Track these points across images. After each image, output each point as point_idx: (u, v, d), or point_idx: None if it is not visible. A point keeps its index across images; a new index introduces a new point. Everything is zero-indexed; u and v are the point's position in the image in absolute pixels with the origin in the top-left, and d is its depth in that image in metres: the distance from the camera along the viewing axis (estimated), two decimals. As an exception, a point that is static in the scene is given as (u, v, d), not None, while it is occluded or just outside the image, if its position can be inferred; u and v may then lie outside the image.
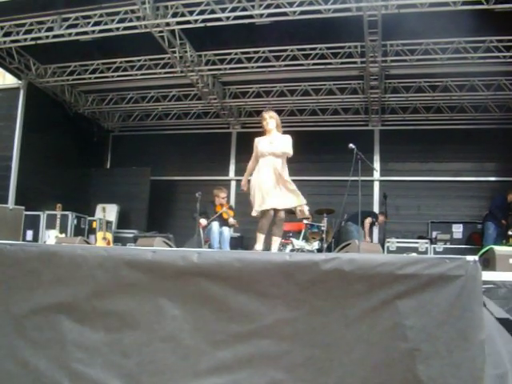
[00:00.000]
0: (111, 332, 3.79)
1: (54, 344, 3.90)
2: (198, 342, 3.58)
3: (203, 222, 9.51)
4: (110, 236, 12.00)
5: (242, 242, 12.48)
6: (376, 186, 13.50)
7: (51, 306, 3.97)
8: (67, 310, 3.93)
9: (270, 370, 3.40)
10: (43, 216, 11.71)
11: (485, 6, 8.37)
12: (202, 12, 9.34)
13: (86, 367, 3.76)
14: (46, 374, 3.85)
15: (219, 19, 9.41)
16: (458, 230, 12.02)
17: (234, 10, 9.18)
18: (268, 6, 9.07)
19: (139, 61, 12.02)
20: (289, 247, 10.14)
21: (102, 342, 3.79)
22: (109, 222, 12.66)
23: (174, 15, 9.53)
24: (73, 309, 3.92)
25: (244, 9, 9.15)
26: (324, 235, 10.41)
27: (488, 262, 6.08)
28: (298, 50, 11.15)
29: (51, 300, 3.98)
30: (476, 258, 3.10)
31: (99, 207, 12.94)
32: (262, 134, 6.99)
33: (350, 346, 3.28)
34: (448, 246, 11.68)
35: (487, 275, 4.43)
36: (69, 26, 9.94)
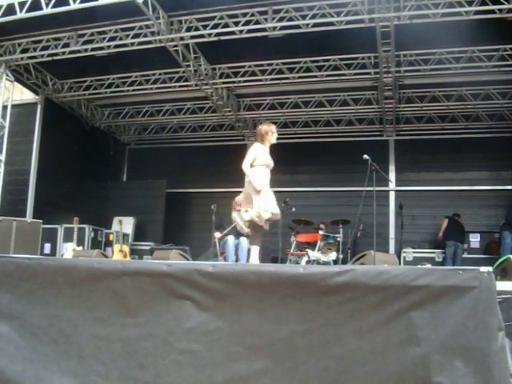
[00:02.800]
0: (128, 344, 3.82)
1: (71, 357, 3.93)
2: (214, 354, 3.58)
3: (217, 234, 9.57)
4: (126, 248, 12.06)
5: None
6: (392, 196, 13.45)
7: (68, 319, 4.01)
8: (84, 323, 3.96)
9: (284, 381, 3.39)
10: (61, 229, 11.83)
11: (498, 15, 8.36)
12: (215, 26, 9.44)
13: (104, 380, 3.80)
14: None
15: (233, 33, 9.50)
16: (475, 240, 11.92)
17: (247, 23, 9.27)
18: (281, 19, 9.14)
19: (154, 75, 12.15)
20: (304, 259, 10.12)
21: (119, 354, 3.83)
22: (125, 235, 12.74)
23: (188, 29, 9.64)
24: (90, 322, 3.95)
25: (257, 22, 9.23)
26: (340, 246, 10.42)
27: (505, 272, 6.04)
28: (312, 61, 11.19)
29: (68, 314, 4.02)
30: (490, 268, 3.08)
31: (116, 220, 13.01)
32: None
33: (364, 357, 3.26)
34: (465, 255, 11.57)
35: (505, 285, 4.40)
36: (85, 42, 10.11)
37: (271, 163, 6.71)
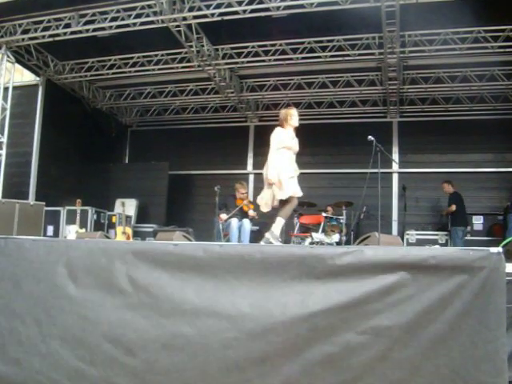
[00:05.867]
0: (117, 327, 3.73)
1: (54, 340, 3.84)
2: (209, 339, 3.49)
3: (223, 216, 9.56)
4: (129, 230, 12.06)
5: (260, 235, 12.46)
6: (395, 178, 13.40)
7: (55, 299, 3.94)
8: (72, 303, 3.89)
9: (284, 368, 3.32)
10: (63, 211, 11.81)
11: (505, -5, 8.26)
12: (218, 5, 9.31)
13: (87, 365, 3.70)
14: (41, 371, 3.80)
15: (236, 12, 9.37)
16: (478, 222, 11.87)
17: (250, 2, 9.13)
18: (285, -2, 9.02)
19: (156, 55, 12.05)
20: (308, 240, 10.12)
21: (105, 337, 3.73)
22: (128, 217, 12.71)
23: (191, 9, 9.51)
24: (79, 302, 3.87)
25: (261, 1, 9.10)
26: (343, 228, 10.42)
27: (510, 254, 6.02)
28: (315, 42, 11.07)
29: (57, 294, 3.95)
30: (500, 249, 3.06)
31: (118, 202, 13.01)
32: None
33: (370, 342, 3.21)
34: (468, 237, 11.54)
35: (509, 267, 4.39)
36: (86, 23, 9.99)
37: (294, 146, 6.68)
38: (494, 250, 3.07)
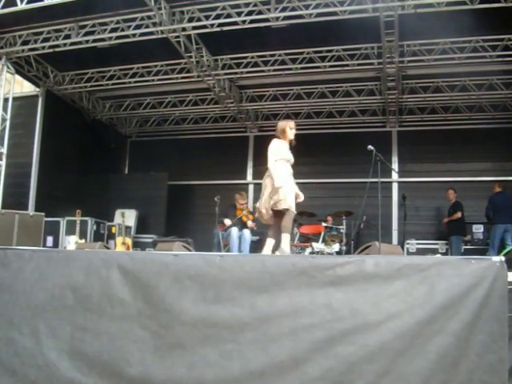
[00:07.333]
0: (115, 338, 3.70)
1: (51, 351, 3.80)
2: (207, 350, 3.46)
3: (227, 222, 9.56)
4: (129, 241, 12.01)
5: (261, 245, 12.43)
6: (395, 188, 13.40)
7: (55, 310, 3.92)
8: (72, 314, 3.87)
9: (282, 383, 3.26)
10: (63, 222, 11.79)
11: (503, 4, 8.26)
12: (217, 16, 9.34)
13: (85, 376, 3.67)
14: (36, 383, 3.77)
15: (235, 23, 9.39)
16: (478, 231, 11.86)
17: (249, 13, 9.18)
18: (284, 9, 9.04)
19: (156, 66, 12.08)
20: (308, 250, 10.10)
21: (103, 348, 3.69)
22: (128, 227, 12.68)
23: (190, 20, 9.55)
24: (78, 313, 3.86)
25: (260, 12, 9.14)
26: (343, 237, 10.40)
27: (511, 263, 5.99)
28: (315, 52, 11.12)
29: (56, 304, 3.93)
30: (502, 258, 3.05)
31: (118, 212, 12.99)
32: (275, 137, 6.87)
33: (373, 355, 3.14)
34: (469, 246, 11.52)
35: (510, 276, 4.37)
36: (86, 33, 10.02)
37: (291, 158, 6.68)
38: (496, 258, 3.06)
